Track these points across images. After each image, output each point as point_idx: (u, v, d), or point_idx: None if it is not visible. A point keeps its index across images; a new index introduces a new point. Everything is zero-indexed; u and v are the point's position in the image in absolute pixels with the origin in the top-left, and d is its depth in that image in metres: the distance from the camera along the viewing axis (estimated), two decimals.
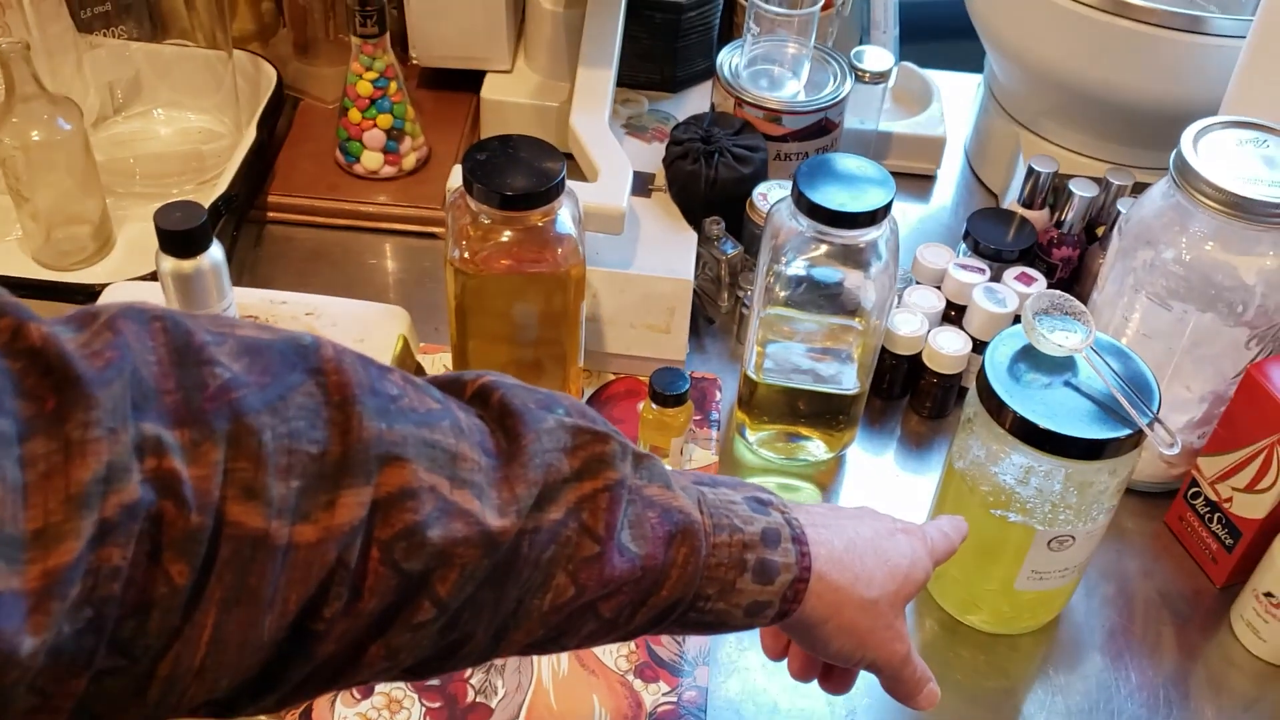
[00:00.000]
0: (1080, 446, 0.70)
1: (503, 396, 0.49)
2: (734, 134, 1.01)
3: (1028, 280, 0.96)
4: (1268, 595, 0.80)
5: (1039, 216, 1.02)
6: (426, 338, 0.96)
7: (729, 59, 1.06)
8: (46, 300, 0.98)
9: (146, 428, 0.37)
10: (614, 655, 0.79)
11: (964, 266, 0.96)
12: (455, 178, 0.84)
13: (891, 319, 0.93)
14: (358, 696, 0.76)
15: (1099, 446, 0.70)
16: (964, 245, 1.00)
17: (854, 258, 0.81)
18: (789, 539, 0.54)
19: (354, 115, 1.09)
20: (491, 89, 1.15)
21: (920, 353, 0.94)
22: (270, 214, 1.10)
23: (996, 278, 0.96)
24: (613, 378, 0.97)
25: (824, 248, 0.81)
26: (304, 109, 1.19)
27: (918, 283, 0.98)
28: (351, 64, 1.07)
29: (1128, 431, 0.70)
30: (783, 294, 0.84)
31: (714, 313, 1.01)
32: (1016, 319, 0.84)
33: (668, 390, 0.85)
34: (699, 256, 0.97)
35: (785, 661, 0.64)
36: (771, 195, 0.98)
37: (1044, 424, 0.70)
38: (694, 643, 0.80)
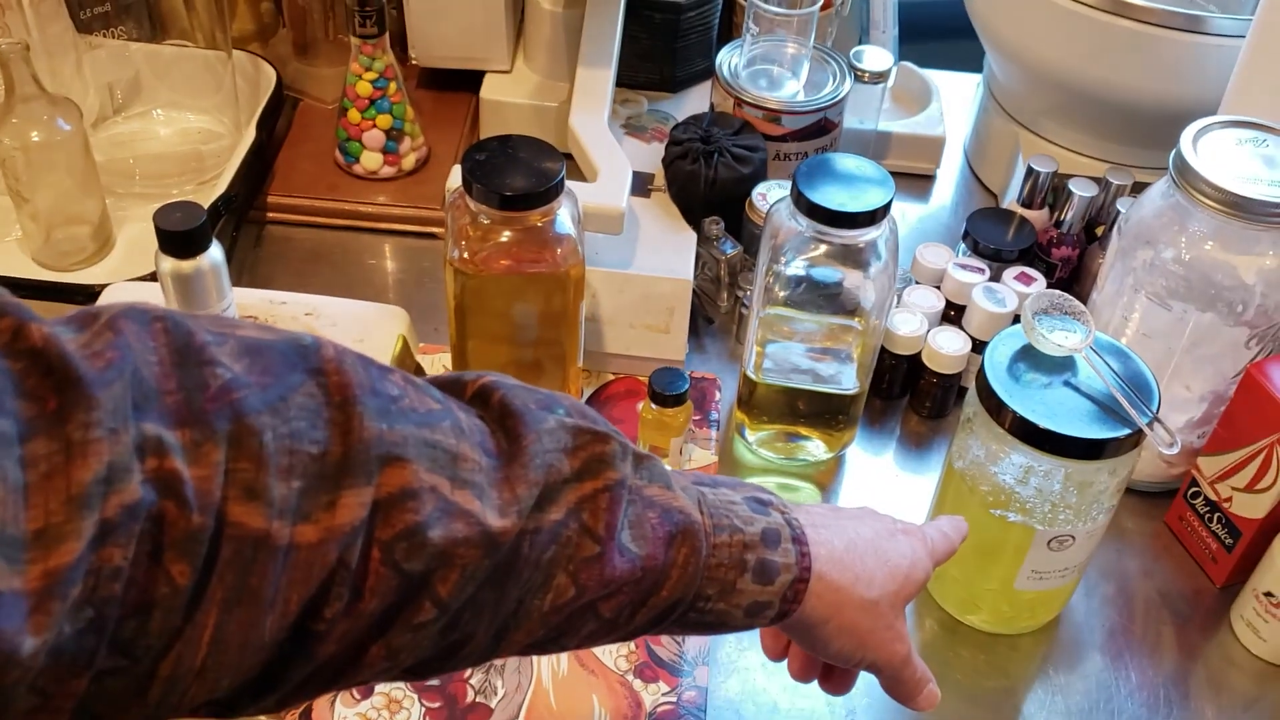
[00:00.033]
0: (1080, 446, 0.70)
1: (503, 397, 0.49)
2: (733, 134, 1.01)
3: (1027, 280, 0.96)
4: (1268, 595, 0.80)
5: (1038, 216, 1.02)
6: (426, 338, 0.96)
7: (728, 59, 1.06)
8: (46, 300, 0.97)
9: (148, 428, 0.37)
10: (614, 655, 0.79)
11: (963, 266, 0.96)
12: (455, 178, 0.84)
13: (891, 319, 0.93)
14: (358, 696, 0.76)
15: (1099, 446, 0.70)
16: (963, 245, 1.00)
17: (853, 258, 0.81)
18: (789, 539, 0.54)
19: (353, 115, 1.09)
20: (491, 89, 1.15)
21: (920, 353, 0.94)
22: (270, 214, 1.10)
23: (996, 277, 0.96)
24: (612, 378, 0.97)
25: (823, 248, 0.81)
26: (303, 109, 1.19)
27: (917, 282, 0.98)
28: (351, 64, 1.07)
29: (1127, 431, 0.71)
30: (782, 294, 0.84)
31: (713, 313, 1.01)
32: (1016, 319, 0.84)
33: (667, 390, 0.85)
34: (698, 256, 0.97)
35: (785, 662, 0.64)
36: (771, 195, 0.98)
37: (1044, 424, 0.70)
38: (694, 643, 0.80)
